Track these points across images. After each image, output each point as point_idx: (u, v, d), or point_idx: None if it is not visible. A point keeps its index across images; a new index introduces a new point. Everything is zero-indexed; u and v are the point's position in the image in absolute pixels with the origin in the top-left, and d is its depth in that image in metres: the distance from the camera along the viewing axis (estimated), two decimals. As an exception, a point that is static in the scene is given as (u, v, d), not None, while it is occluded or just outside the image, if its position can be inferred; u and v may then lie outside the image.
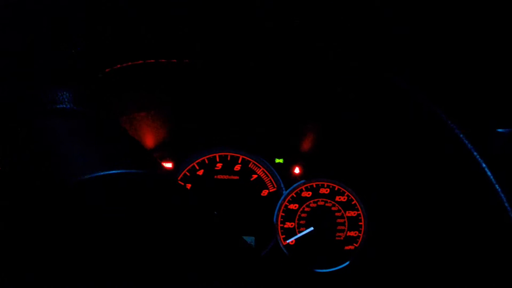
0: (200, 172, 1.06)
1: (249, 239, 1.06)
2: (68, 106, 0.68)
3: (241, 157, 1.07)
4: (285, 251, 1.06)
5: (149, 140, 1.04)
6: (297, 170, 1.07)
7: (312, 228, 1.06)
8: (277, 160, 1.07)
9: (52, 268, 0.61)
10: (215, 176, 1.07)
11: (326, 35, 0.79)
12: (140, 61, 0.70)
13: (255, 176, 1.07)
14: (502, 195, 0.71)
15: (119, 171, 0.60)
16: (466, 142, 0.75)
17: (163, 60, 0.71)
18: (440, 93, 0.78)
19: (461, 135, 0.75)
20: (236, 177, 1.07)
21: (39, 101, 0.66)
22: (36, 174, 0.60)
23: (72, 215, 0.60)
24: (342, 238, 1.07)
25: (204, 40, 0.76)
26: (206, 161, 1.06)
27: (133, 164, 0.63)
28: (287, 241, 1.07)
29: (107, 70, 0.69)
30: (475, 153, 0.74)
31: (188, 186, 1.06)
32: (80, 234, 0.61)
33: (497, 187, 0.72)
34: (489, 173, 0.72)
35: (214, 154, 1.07)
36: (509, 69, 0.79)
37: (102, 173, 0.58)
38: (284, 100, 0.99)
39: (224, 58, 0.84)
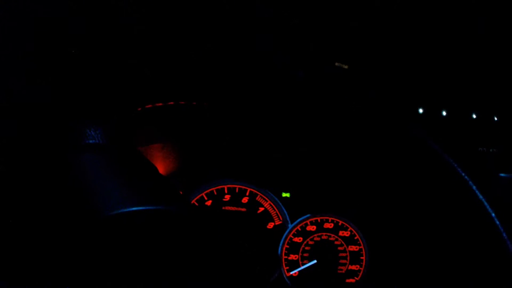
0: (209, 203, 1.09)
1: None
2: (100, 141, 0.71)
3: (249, 189, 1.10)
4: (288, 282, 1.10)
5: (160, 170, 1.07)
6: (303, 205, 1.11)
7: (315, 261, 1.09)
8: (284, 194, 1.11)
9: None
10: (223, 207, 1.10)
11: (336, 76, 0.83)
12: (171, 103, 0.73)
13: (262, 209, 1.10)
14: (504, 233, 0.75)
15: (148, 207, 0.63)
16: (471, 183, 0.79)
17: (194, 103, 0.75)
18: (446, 139, 0.83)
19: (466, 177, 0.79)
20: (244, 209, 1.10)
21: (72, 136, 0.69)
22: (68, 208, 0.62)
23: (101, 249, 0.63)
24: (343, 271, 1.10)
25: (223, 86, 0.80)
26: (215, 192, 1.10)
27: (161, 200, 0.66)
28: (291, 273, 1.10)
29: (139, 109, 0.73)
30: (479, 195, 0.78)
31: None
32: (109, 268, 0.64)
33: (499, 225, 0.76)
34: (491, 212, 0.77)
35: (223, 186, 1.10)
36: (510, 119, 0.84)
37: (131, 209, 0.61)
38: (294, 136, 1.03)
39: (238, 100, 0.88)
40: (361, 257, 1.11)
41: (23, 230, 0.62)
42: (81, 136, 0.70)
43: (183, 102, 0.74)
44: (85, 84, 0.71)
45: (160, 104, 0.72)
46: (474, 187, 0.80)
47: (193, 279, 0.74)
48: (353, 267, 1.11)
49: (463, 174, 0.80)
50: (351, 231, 1.11)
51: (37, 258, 0.62)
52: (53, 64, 0.67)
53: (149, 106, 0.72)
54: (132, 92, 0.72)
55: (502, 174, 0.89)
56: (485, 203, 0.79)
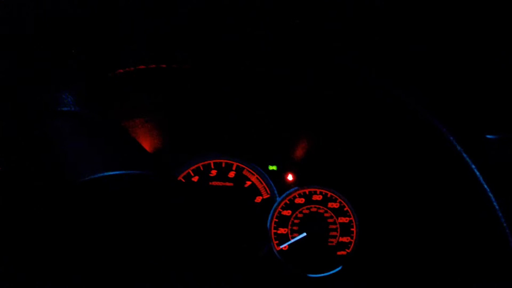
0: (195, 179, 1.08)
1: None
2: (73, 108, 0.69)
3: (235, 164, 1.09)
4: (278, 256, 1.08)
5: (145, 146, 1.06)
6: (290, 177, 1.09)
7: (305, 234, 1.08)
8: (270, 167, 1.09)
9: (55, 266, 0.63)
10: (210, 183, 1.08)
11: (321, 45, 0.81)
12: (143, 66, 0.71)
13: (249, 182, 1.09)
14: (494, 201, 0.73)
15: (122, 172, 0.62)
16: (459, 148, 0.77)
17: (174, 66, 0.73)
18: (431, 100, 0.81)
19: (454, 142, 0.77)
20: (231, 184, 1.09)
21: (44, 103, 0.68)
22: (40, 175, 0.61)
23: (76, 214, 0.61)
24: (334, 243, 1.09)
25: (206, 47, 0.78)
26: (201, 168, 1.08)
27: (135, 165, 0.65)
28: (281, 247, 1.08)
29: (111, 74, 0.71)
30: (468, 160, 0.76)
31: (183, 192, 1.07)
32: (83, 233, 0.63)
33: (490, 193, 0.74)
34: (482, 180, 0.75)
35: (209, 161, 1.09)
36: (498, 75, 0.83)
37: (105, 174, 0.60)
38: (278, 108, 1.01)
39: (224, 65, 0.85)
40: (352, 229, 1.09)
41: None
42: (53, 104, 0.68)
43: (154, 66, 0.72)
44: (55, 51, 0.69)
45: (132, 68, 0.71)
46: (461, 151, 0.78)
47: (181, 255, 0.73)
48: (344, 239, 1.09)
49: (451, 138, 0.79)
50: (340, 203, 1.09)
51: (16, 227, 0.61)
52: (23, 29, 0.65)
53: (120, 70, 0.70)
54: (104, 57, 0.70)
55: (488, 136, 0.87)
56: (474, 167, 0.77)
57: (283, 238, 1.09)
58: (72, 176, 0.59)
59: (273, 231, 1.09)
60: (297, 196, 1.09)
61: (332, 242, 1.09)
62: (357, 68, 0.80)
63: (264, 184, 1.09)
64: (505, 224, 0.73)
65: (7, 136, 0.65)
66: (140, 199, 0.64)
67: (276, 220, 1.09)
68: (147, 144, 1.05)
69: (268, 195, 1.09)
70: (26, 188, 0.61)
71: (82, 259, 0.64)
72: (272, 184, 1.09)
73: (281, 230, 1.09)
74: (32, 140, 0.64)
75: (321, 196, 1.09)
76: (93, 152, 0.63)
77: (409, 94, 0.81)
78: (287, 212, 1.09)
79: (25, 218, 0.61)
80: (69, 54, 0.70)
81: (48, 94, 0.68)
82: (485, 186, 0.74)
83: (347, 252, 1.09)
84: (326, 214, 1.09)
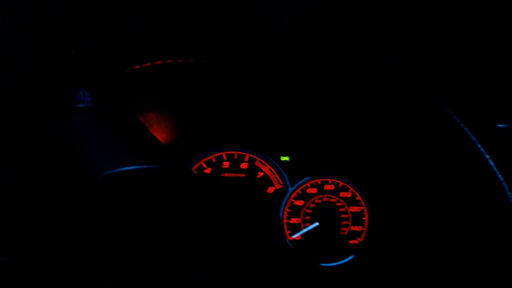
0: (208, 171, 1.09)
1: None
2: (89, 105, 0.70)
3: (247, 155, 1.09)
4: (291, 246, 1.09)
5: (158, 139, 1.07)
6: (302, 168, 1.10)
7: (317, 223, 1.09)
8: (282, 158, 1.10)
9: (74, 261, 0.63)
10: (222, 174, 1.09)
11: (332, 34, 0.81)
12: (159, 62, 0.72)
13: (261, 173, 1.09)
14: (508, 191, 0.74)
15: (139, 166, 0.62)
16: (473, 138, 0.77)
17: (181, 61, 0.74)
18: (443, 88, 0.81)
19: (468, 131, 0.78)
20: (243, 175, 1.09)
21: (60, 100, 0.69)
22: (58, 172, 0.62)
23: (93, 210, 0.62)
24: (346, 232, 1.10)
25: (217, 41, 0.78)
26: (214, 160, 1.09)
27: (154, 159, 0.66)
28: (293, 236, 1.09)
29: (126, 70, 0.71)
30: (482, 150, 0.76)
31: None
32: (102, 229, 0.64)
33: (504, 183, 0.74)
34: (496, 170, 0.75)
35: (221, 153, 1.09)
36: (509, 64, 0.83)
37: (123, 169, 0.61)
38: (291, 98, 1.02)
39: (233, 58, 0.86)
40: (363, 218, 1.10)
41: (14, 195, 0.62)
42: (70, 101, 0.69)
43: (171, 61, 0.73)
44: (71, 47, 0.70)
45: (148, 64, 0.71)
46: (476, 141, 0.78)
47: (193, 246, 0.74)
48: (356, 228, 1.10)
49: (465, 127, 0.79)
50: (352, 192, 1.10)
51: (32, 224, 0.62)
52: (37, 25, 0.66)
53: (137, 67, 0.71)
54: (121, 53, 0.71)
55: (500, 125, 0.87)
56: (487, 156, 0.77)
57: (296, 228, 1.10)
58: (89, 172, 0.60)
59: (285, 221, 1.10)
60: (309, 186, 1.10)
61: (344, 231, 1.10)
62: (371, 53, 0.80)
63: (277, 174, 1.10)
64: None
65: (22, 134, 0.65)
66: (158, 193, 0.65)
67: (289, 210, 1.10)
68: (159, 137, 1.06)
69: (281, 186, 1.10)
70: (42, 185, 0.61)
71: (99, 253, 0.65)
72: (285, 175, 1.10)
73: (294, 220, 1.10)
74: (48, 137, 0.65)
75: (333, 186, 1.10)
76: (110, 148, 0.64)
77: (422, 82, 0.81)
78: (299, 202, 1.10)
79: (43, 215, 0.61)
80: (84, 51, 0.70)
81: (63, 90, 0.68)
82: (499, 176, 0.74)
83: (359, 241, 1.10)
84: (338, 204, 1.10)
